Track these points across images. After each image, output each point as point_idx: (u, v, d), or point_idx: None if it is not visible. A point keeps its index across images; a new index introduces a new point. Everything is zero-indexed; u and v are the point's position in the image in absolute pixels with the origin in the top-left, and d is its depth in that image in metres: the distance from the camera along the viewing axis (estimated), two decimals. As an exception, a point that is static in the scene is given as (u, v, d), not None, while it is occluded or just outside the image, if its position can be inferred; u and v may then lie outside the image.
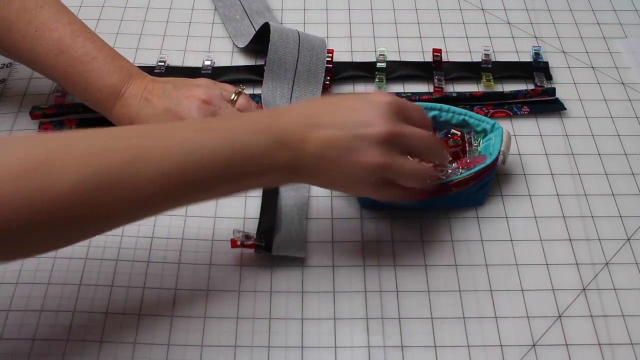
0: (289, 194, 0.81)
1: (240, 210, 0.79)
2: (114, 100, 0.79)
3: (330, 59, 0.94)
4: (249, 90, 0.91)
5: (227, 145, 0.62)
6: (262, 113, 0.68)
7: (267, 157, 0.63)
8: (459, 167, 0.79)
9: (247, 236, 0.74)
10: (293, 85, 0.89)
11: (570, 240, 0.78)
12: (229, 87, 0.83)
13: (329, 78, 0.93)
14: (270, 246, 0.75)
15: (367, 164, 0.64)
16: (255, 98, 0.89)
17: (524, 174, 0.84)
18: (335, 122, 0.64)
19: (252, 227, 0.77)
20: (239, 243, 0.74)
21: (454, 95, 0.90)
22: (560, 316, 0.72)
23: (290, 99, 0.89)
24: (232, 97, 0.82)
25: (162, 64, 0.94)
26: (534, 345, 0.70)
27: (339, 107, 0.66)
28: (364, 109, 0.65)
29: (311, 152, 0.64)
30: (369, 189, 0.68)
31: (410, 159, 0.69)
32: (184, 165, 0.60)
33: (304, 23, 1.01)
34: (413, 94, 0.91)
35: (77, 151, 0.57)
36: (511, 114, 0.90)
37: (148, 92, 0.79)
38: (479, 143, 0.82)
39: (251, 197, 0.80)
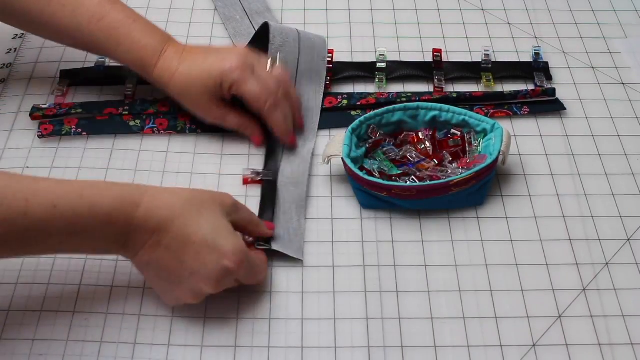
0: (288, 189, 0.81)
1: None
2: (157, 56, 0.82)
3: (330, 59, 0.94)
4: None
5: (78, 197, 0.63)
6: (129, 186, 0.68)
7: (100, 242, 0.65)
8: (459, 167, 0.79)
9: (256, 173, 0.80)
10: (295, 85, 0.89)
11: (570, 240, 0.78)
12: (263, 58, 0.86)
13: (329, 78, 0.93)
14: (270, 240, 0.75)
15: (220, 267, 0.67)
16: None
17: (524, 174, 0.84)
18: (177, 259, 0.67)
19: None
20: (250, 180, 0.80)
21: (454, 96, 0.90)
22: (560, 316, 0.72)
23: None
24: (267, 68, 0.84)
25: (163, 64, 0.94)
26: (534, 345, 0.70)
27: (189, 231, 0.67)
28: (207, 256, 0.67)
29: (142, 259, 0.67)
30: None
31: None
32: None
33: (304, 23, 1.01)
34: (413, 94, 0.91)
35: None
36: (511, 114, 0.90)
37: (189, 51, 0.83)
38: (479, 143, 0.82)
39: (250, 196, 0.80)
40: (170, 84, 0.82)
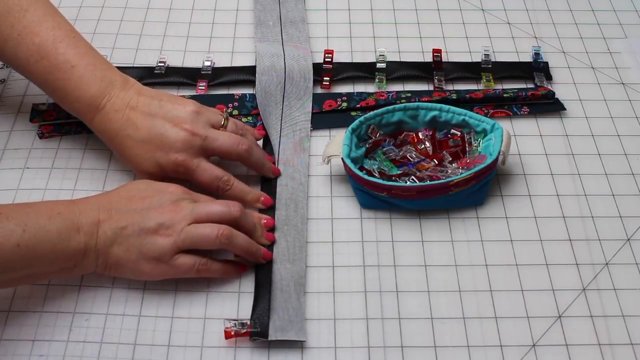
0: (285, 266, 0.75)
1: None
2: (93, 112, 0.76)
3: (330, 59, 0.94)
4: (249, 90, 0.92)
5: (19, 228, 0.64)
6: (59, 201, 0.70)
7: (60, 241, 0.66)
8: (459, 167, 0.79)
9: (241, 324, 0.70)
10: (282, 110, 0.88)
11: (570, 240, 0.78)
12: (216, 112, 0.80)
13: (328, 79, 0.93)
14: (266, 331, 0.69)
15: (162, 241, 0.69)
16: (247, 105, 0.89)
17: (524, 174, 0.84)
18: (129, 206, 0.70)
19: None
20: (232, 333, 0.69)
21: (454, 97, 0.89)
22: (560, 316, 0.72)
23: (281, 120, 0.88)
24: (222, 123, 0.79)
25: (162, 64, 0.94)
26: (534, 345, 0.70)
27: (132, 193, 0.71)
28: (155, 194, 0.71)
29: (107, 234, 0.68)
30: (165, 264, 0.70)
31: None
32: None
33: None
34: (413, 94, 0.90)
35: None
36: (511, 114, 0.90)
37: (131, 109, 0.76)
38: (479, 143, 0.82)
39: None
40: (113, 143, 0.77)
